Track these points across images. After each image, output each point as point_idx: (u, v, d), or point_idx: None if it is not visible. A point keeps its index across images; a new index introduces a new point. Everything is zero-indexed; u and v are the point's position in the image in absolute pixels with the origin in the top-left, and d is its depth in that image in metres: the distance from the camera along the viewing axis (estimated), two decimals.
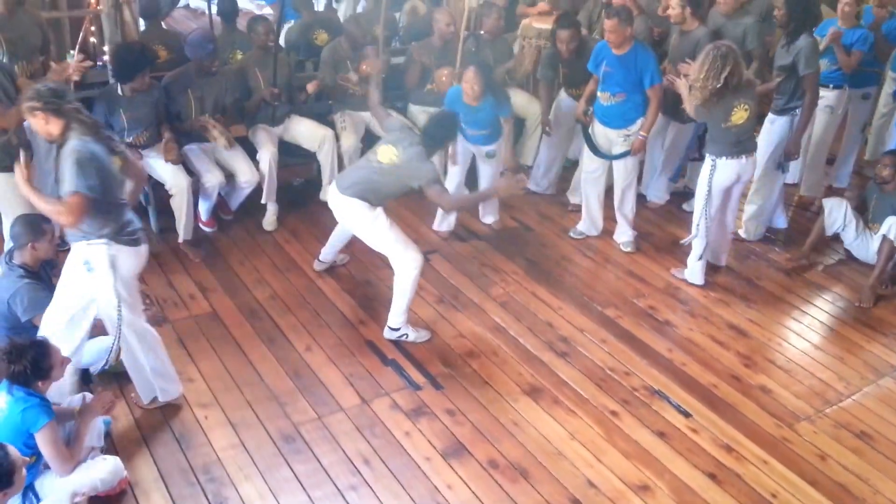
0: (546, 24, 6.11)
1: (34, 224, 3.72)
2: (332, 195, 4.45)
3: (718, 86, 4.50)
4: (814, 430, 4.01)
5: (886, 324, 4.93)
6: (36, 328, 3.55)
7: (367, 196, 4.29)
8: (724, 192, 4.91)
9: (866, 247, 5.36)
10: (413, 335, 4.43)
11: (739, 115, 4.67)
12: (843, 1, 5.77)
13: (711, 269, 5.28)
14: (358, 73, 5.61)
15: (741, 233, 5.66)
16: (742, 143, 4.80)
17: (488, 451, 3.72)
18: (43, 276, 3.81)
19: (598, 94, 5.24)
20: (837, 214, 5.34)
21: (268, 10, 8.15)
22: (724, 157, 4.78)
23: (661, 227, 5.80)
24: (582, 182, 5.56)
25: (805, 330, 4.84)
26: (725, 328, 4.77)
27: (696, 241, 5.01)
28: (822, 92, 5.76)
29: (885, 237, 5.06)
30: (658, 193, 6.13)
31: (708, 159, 4.86)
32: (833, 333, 4.82)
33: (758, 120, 5.08)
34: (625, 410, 4.04)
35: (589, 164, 5.44)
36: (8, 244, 3.84)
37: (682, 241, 5.27)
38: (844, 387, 4.34)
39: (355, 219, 4.39)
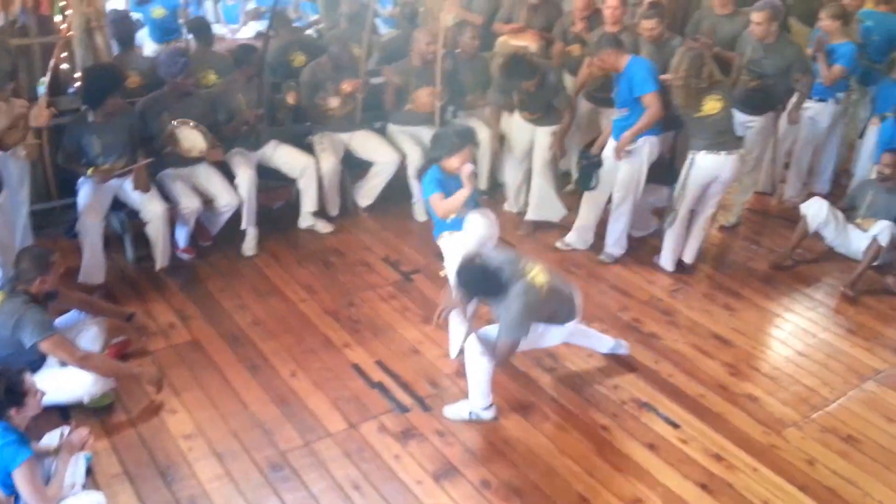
0: (522, 42, 6.16)
1: (42, 258, 3.70)
2: None
3: (702, 85, 4.75)
4: (801, 435, 4.03)
5: (867, 328, 4.98)
6: (37, 354, 3.56)
7: None
8: (701, 188, 5.03)
9: (848, 243, 5.48)
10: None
11: (711, 105, 4.86)
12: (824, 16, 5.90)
13: (694, 277, 5.35)
14: (340, 93, 5.59)
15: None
16: (722, 137, 4.95)
17: (480, 472, 3.68)
18: (45, 306, 3.75)
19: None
20: (818, 213, 5.44)
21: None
22: (703, 152, 4.95)
23: (644, 241, 5.82)
24: (584, 195, 5.57)
25: (788, 337, 4.87)
26: (710, 338, 4.79)
27: (668, 233, 5.29)
28: (807, 103, 5.91)
29: (874, 238, 5.17)
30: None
31: (689, 155, 5.03)
32: (816, 339, 4.85)
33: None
34: (614, 424, 4.03)
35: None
36: None
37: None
38: (829, 392, 4.37)
39: None
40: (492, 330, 3.87)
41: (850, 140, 6.78)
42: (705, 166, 5.00)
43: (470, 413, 3.99)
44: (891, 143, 5.85)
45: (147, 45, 7.27)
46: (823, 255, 5.71)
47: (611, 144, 5.27)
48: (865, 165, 6.23)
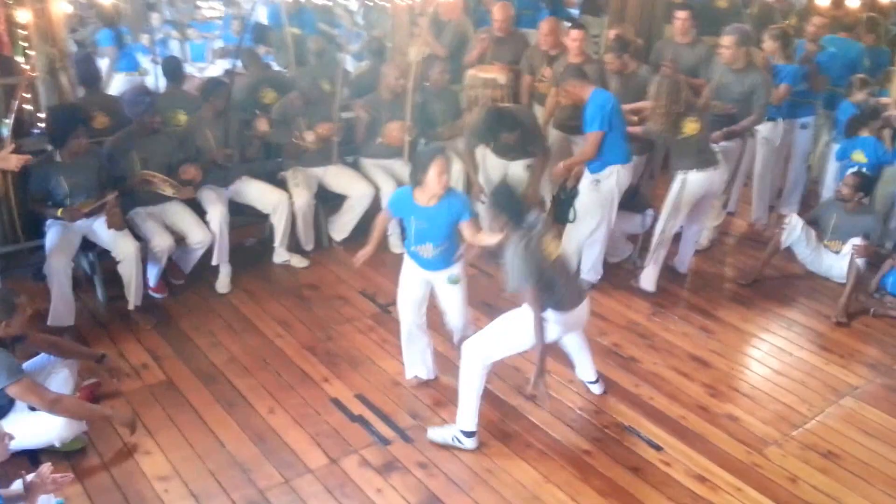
0: (491, 74, 6.23)
1: (6, 301, 3.59)
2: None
3: (681, 110, 4.96)
4: (782, 453, 4.04)
5: (842, 345, 5.04)
6: (5, 399, 3.47)
7: None
8: (692, 205, 5.23)
9: (820, 261, 5.57)
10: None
11: (691, 127, 5.09)
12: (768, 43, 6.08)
13: (671, 301, 5.38)
14: (316, 133, 5.60)
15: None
16: (704, 154, 5.19)
17: (464, 501, 3.63)
18: (12, 349, 3.65)
19: None
20: (794, 229, 5.55)
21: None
22: (693, 171, 5.15)
23: (619, 266, 5.85)
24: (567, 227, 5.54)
25: (765, 356, 4.91)
26: (688, 360, 4.80)
27: (652, 250, 5.38)
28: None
29: (852, 258, 5.29)
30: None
31: (678, 176, 5.19)
32: (792, 358, 4.90)
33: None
34: (597, 449, 4.00)
35: None
36: None
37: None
38: (808, 409, 4.40)
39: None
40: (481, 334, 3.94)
41: (814, 163, 6.95)
42: (696, 184, 5.20)
43: (452, 437, 3.95)
44: (843, 158, 6.04)
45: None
46: (796, 274, 5.80)
47: (586, 177, 5.33)
48: (831, 186, 6.37)
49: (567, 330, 4.04)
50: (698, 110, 5.21)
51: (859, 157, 6.05)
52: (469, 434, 3.94)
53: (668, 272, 5.72)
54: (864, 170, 5.97)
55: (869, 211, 5.38)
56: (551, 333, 3.88)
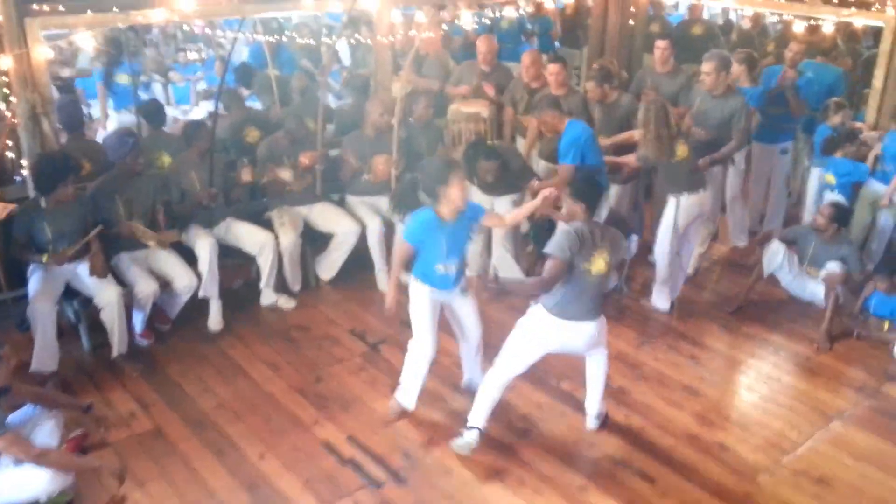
0: (474, 108, 6.30)
1: None
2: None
3: (673, 132, 5.10)
4: (774, 481, 4.06)
5: (828, 369, 5.08)
6: None
7: None
8: (686, 227, 5.37)
9: (803, 286, 5.62)
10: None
11: (682, 150, 5.24)
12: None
13: (658, 330, 5.42)
14: (298, 166, 5.62)
15: None
16: (695, 177, 5.35)
17: None
18: None
19: None
20: (775, 256, 5.60)
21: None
22: (685, 193, 5.28)
23: (608, 296, 5.83)
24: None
25: (753, 383, 4.94)
26: (678, 389, 4.82)
27: (660, 271, 5.55)
28: None
29: (829, 285, 5.34)
30: None
31: (672, 199, 5.31)
32: (780, 384, 4.93)
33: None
34: (591, 483, 4.00)
35: None
36: None
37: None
38: (797, 435, 4.42)
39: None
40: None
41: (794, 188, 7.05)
42: (690, 206, 5.34)
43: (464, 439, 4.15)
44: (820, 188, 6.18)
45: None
46: (780, 300, 5.84)
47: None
48: (812, 209, 6.47)
49: (563, 344, 4.08)
50: (684, 135, 5.35)
51: (830, 178, 6.16)
52: (470, 427, 4.12)
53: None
54: (835, 192, 6.08)
55: (845, 239, 5.44)
56: (542, 337, 4.03)
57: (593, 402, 4.39)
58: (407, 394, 4.45)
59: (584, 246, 3.89)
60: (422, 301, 4.27)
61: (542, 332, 4.03)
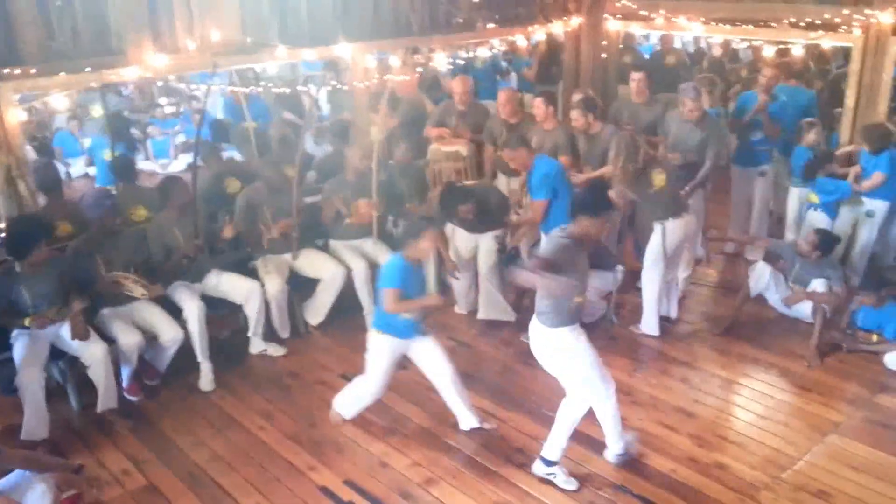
0: (453, 147, 6.38)
1: None
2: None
3: (639, 165, 5.18)
4: (774, 497, 4.05)
5: (820, 383, 5.10)
6: None
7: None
8: (673, 251, 5.45)
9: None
10: (563, 479, 4.19)
11: (659, 179, 5.32)
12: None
13: (649, 355, 5.45)
14: (278, 227, 5.65)
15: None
16: (677, 203, 5.46)
17: None
18: None
19: None
20: (761, 277, 5.65)
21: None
22: (670, 219, 5.38)
23: (596, 325, 5.85)
24: None
25: (747, 402, 4.94)
26: (672, 412, 4.82)
27: (649, 298, 5.62)
28: None
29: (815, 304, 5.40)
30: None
31: (657, 227, 5.41)
32: (774, 401, 4.94)
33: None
34: None
35: None
36: None
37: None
38: (795, 450, 4.43)
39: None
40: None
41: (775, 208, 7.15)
42: (676, 231, 5.45)
43: (546, 473, 4.21)
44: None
45: None
46: (768, 318, 5.89)
47: (542, 239, 5.44)
48: (793, 228, 6.59)
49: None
50: (660, 163, 5.43)
51: (813, 197, 6.26)
52: (550, 463, 4.17)
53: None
54: (818, 210, 6.18)
55: (829, 262, 5.50)
56: (588, 347, 4.08)
57: (615, 440, 4.35)
58: (346, 407, 4.70)
59: (576, 260, 3.92)
60: (383, 353, 4.47)
61: (585, 344, 4.06)
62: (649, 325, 5.75)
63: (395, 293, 4.29)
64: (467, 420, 4.63)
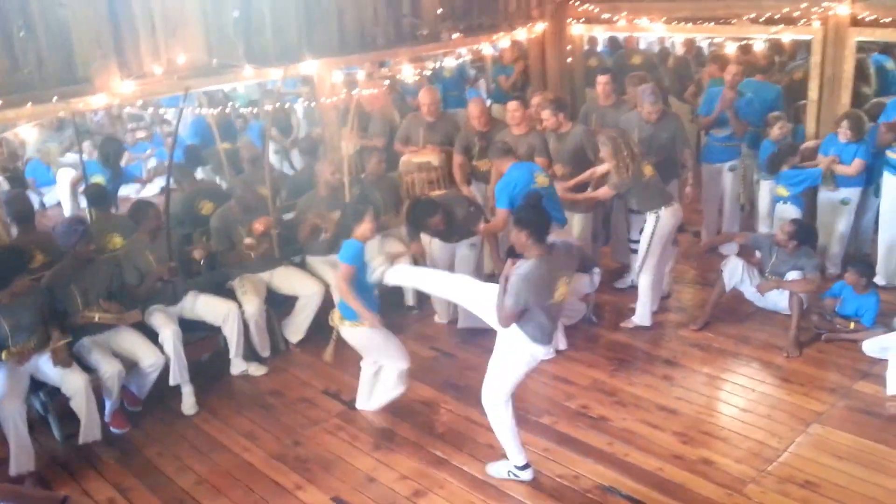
0: (424, 158, 6.39)
1: None
2: None
3: (634, 155, 5.38)
4: (761, 490, 4.08)
5: (801, 374, 5.15)
6: None
7: None
8: (668, 238, 5.63)
9: (766, 296, 5.72)
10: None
11: (649, 169, 5.54)
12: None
13: (630, 355, 5.48)
14: (253, 232, 5.62)
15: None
16: (667, 193, 5.69)
17: None
18: None
19: None
20: (735, 271, 5.72)
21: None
22: (663, 208, 5.55)
23: (576, 328, 5.91)
24: None
25: (729, 396, 4.99)
26: (656, 410, 4.85)
27: (644, 289, 5.74)
28: None
29: (792, 292, 5.46)
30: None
31: (651, 215, 5.54)
32: (755, 393, 4.98)
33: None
34: None
35: None
36: None
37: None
38: (778, 442, 4.46)
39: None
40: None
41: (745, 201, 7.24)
42: (669, 218, 5.57)
43: (508, 472, 4.24)
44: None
45: None
46: (746, 311, 5.95)
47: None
48: (765, 221, 6.68)
49: (533, 366, 4.19)
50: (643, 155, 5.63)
51: (782, 191, 6.35)
52: (522, 467, 4.20)
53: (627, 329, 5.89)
54: (788, 203, 6.26)
55: (805, 252, 5.57)
56: (521, 364, 4.09)
57: None
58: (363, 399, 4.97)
59: (546, 280, 3.92)
60: (374, 332, 4.60)
61: (528, 357, 4.08)
62: (643, 316, 5.85)
63: (350, 270, 4.45)
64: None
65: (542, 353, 4.11)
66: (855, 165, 6.06)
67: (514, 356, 4.10)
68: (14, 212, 5.50)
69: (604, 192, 5.66)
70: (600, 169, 5.83)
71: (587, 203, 5.98)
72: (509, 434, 4.20)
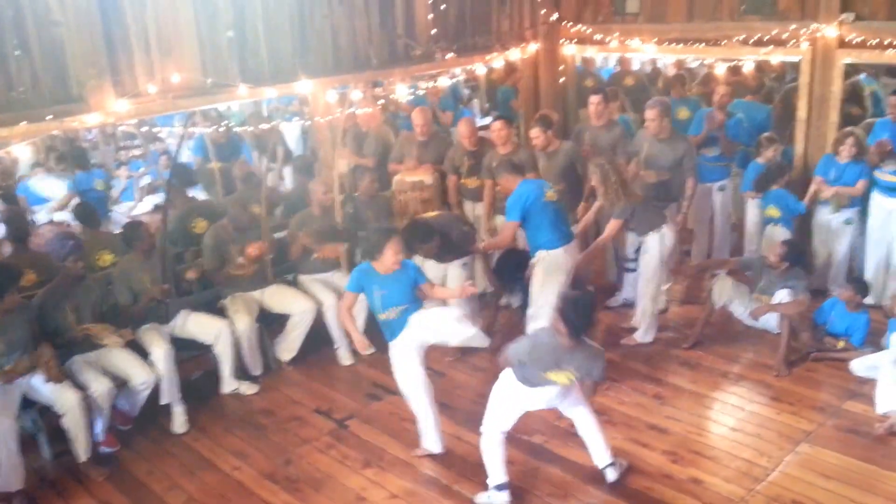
0: (417, 177, 6.43)
1: None
2: None
3: (623, 182, 5.50)
4: None
5: (790, 393, 5.18)
6: None
7: None
8: (670, 256, 5.75)
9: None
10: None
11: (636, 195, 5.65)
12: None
13: (620, 373, 5.49)
14: (247, 257, 5.63)
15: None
16: (661, 212, 5.80)
17: None
18: None
19: None
20: (724, 289, 5.76)
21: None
22: (665, 225, 5.67)
23: None
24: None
25: (719, 415, 5.01)
26: (646, 429, 4.86)
27: (646, 307, 5.79)
28: None
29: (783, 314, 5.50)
30: None
31: (653, 235, 5.62)
32: (745, 413, 5.00)
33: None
34: None
35: None
36: None
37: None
38: (767, 461, 4.48)
39: None
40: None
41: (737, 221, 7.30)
42: (671, 236, 5.67)
43: (488, 496, 4.24)
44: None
45: None
46: (735, 330, 5.97)
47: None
48: (754, 241, 6.72)
49: (536, 403, 4.23)
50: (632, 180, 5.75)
51: (773, 211, 6.39)
52: (499, 487, 4.20)
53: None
54: (779, 224, 6.31)
55: (796, 273, 5.61)
56: (516, 398, 4.17)
57: (599, 455, 4.38)
58: (428, 438, 4.72)
59: (541, 362, 3.98)
60: (403, 352, 4.52)
61: (514, 393, 4.17)
62: (647, 334, 5.89)
63: (349, 296, 4.55)
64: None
65: (525, 392, 4.14)
66: (860, 186, 6.13)
67: (502, 387, 4.22)
68: (8, 231, 5.50)
69: (612, 226, 5.65)
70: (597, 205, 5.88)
71: (604, 243, 5.93)
72: (497, 459, 4.25)
